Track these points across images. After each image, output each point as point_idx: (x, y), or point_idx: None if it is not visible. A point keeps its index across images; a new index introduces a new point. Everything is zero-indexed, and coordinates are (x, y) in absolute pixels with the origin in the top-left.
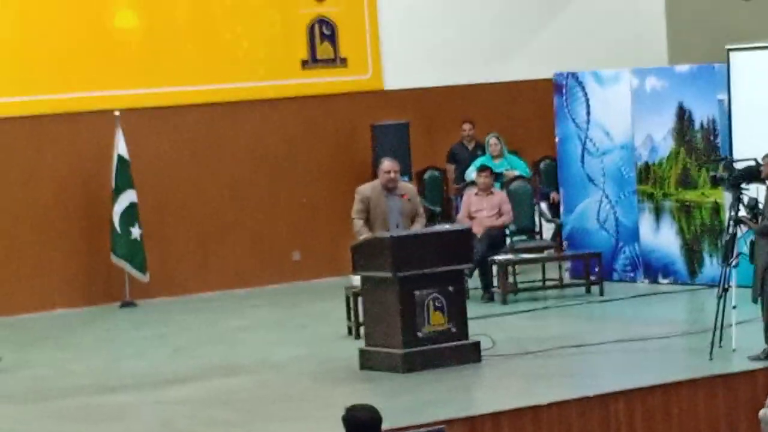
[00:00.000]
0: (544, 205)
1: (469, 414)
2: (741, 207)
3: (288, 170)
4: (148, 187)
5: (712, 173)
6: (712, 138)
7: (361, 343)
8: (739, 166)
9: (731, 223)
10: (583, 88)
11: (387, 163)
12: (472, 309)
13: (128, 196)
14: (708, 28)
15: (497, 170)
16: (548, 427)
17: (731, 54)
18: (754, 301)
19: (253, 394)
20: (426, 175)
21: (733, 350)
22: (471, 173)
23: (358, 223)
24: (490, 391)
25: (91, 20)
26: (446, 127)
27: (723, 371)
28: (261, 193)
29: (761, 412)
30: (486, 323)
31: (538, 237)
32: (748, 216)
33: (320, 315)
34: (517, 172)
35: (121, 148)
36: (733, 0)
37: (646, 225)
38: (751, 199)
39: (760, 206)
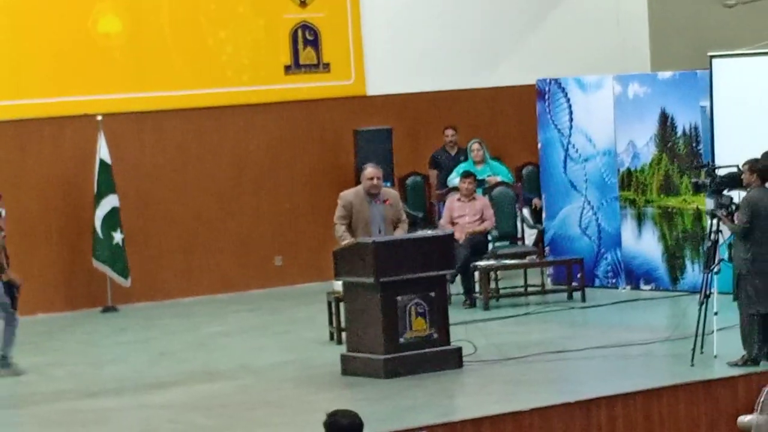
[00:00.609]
0: (526, 211)
1: (450, 420)
2: (716, 203)
3: (271, 175)
4: (131, 192)
5: (694, 179)
6: (694, 144)
7: (342, 349)
8: (721, 172)
9: (713, 229)
10: (566, 94)
11: (370, 170)
12: (454, 315)
13: (110, 201)
14: (690, 34)
15: (480, 176)
16: None
17: (713, 61)
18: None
19: (235, 399)
20: (409, 181)
21: (715, 356)
22: (453, 179)
23: (341, 229)
24: (471, 396)
25: (74, 25)
26: (429, 132)
27: (704, 377)
28: (244, 198)
29: (740, 419)
30: (468, 329)
31: (520, 243)
32: (724, 213)
33: (302, 320)
34: (499, 178)
35: (103, 152)
36: (716, 7)
37: (628, 231)
38: (725, 197)
39: (734, 205)
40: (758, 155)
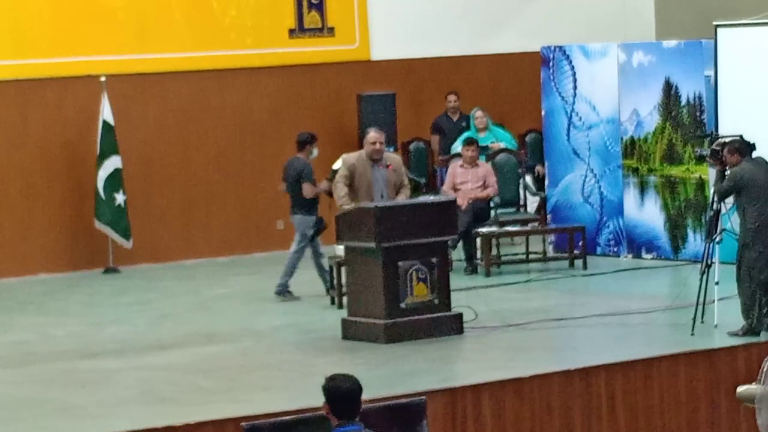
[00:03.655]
0: (529, 178)
1: (450, 385)
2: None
3: (273, 139)
4: (133, 154)
5: (697, 150)
6: (698, 114)
7: (343, 313)
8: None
9: (715, 199)
10: (570, 62)
11: (373, 134)
12: (456, 281)
13: (113, 162)
14: (696, 3)
15: (483, 143)
16: (529, 400)
17: (719, 30)
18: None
19: (235, 362)
20: (411, 146)
21: (715, 326)
22: (457, 147)
23: (342, 189)
24: (471, 363)
25: None
26: (432, 98)
27: (704, 347)
28: (246, 161)
29: (739, 389)
30: (469, 295)
31: (522, 210)
32: (708, 155)
33: (303, 284)
34: (502, 145)
35: (106, 113)
36: None
37: (630, 200)
38: (718, 139)
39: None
40: (761, 125)
